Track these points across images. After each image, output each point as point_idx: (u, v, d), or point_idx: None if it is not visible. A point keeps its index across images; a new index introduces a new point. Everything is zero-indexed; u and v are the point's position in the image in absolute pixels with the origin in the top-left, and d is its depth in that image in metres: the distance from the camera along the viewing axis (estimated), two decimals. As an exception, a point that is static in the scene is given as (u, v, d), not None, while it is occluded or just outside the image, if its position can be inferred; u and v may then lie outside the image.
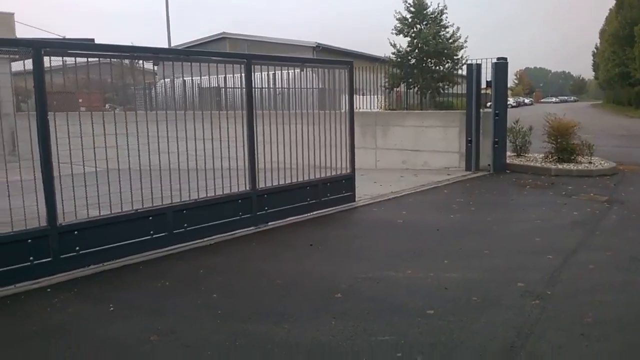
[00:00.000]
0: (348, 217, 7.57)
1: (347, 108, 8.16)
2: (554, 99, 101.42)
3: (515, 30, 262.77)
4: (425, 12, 39.88)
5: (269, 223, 6.94)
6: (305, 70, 7.98)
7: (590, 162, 11.37)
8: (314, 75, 8.35)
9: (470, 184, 9.99)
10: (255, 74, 6.78)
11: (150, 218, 5.71)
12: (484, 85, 11.37)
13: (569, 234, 6.47)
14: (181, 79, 6.72)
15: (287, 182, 7.22)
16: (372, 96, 15.59)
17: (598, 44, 77.72)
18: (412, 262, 5.34)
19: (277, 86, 8.05)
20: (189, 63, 6.21)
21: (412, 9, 40.18)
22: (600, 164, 11.32)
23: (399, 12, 40.54)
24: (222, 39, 31.69)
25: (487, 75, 11.27)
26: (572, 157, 11.37)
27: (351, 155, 8.14)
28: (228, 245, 6.20)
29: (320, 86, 8.64)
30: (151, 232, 5.71)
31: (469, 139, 11.43)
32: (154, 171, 5.73)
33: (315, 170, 7.62)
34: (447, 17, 40.05)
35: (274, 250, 5.96)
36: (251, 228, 6.72)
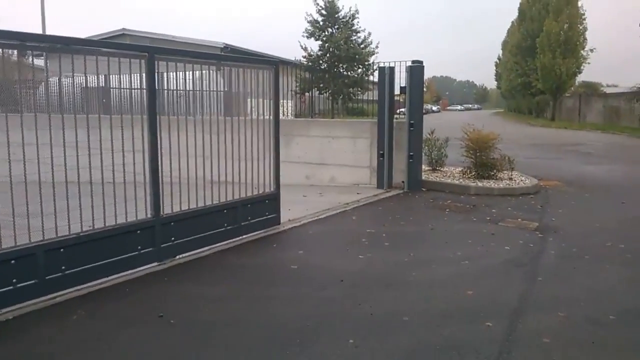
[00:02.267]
0: (257, 251, 5.76)
1: (272, 115, 6.81)
2: (459, 107, 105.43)
3: (421, 40, 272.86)
4: (337, 15, 39.09)
5: (178, 257, 5.56)
6: (222, 69, 6.43)
7: (510, 179, 10.32)
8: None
9: (383, 207, 8.50)
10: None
11: (13, 262, 4.22)
12: (397, 91, 10.01)
13: (506, 281, 5.07)
14: (67, 77, 4.84)
15: (199, 206, 5.84)
16: (282, 101, 13.92)
17: (500, 55, 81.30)
18: (300, 352, 3.62)
19: (183, 88, 6.07)
20: (71, 56, 4.58)
21: (323, 11, 39.26)
22: (522, 180, 10.29)
23: (310, 14, 39.41)
24: (121, 35, 28.90)
25: (401, 80, 9.91)
26: (492, 173, 10.27)
27: (275, 170, 6.88)
28: (118, 292, 4.59)
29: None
30: (14, 280, 4.23)
31: (381, 152, 10.00)
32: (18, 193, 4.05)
33: (234, 189, 6.25)
34: (358, 22, 39.70)
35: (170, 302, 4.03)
36: (154, 264, 5.32)
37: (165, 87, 5.67)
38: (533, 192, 9.71)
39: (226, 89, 6.66)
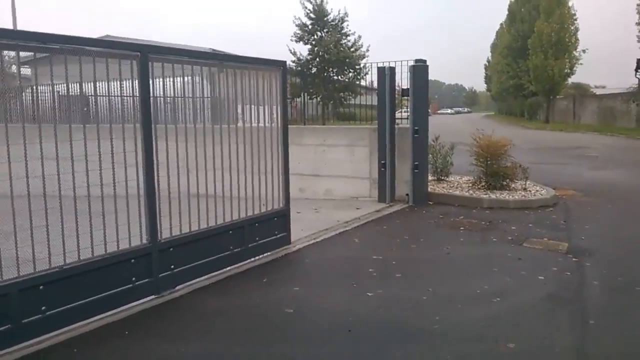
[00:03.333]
0: (253, 286, 4.73)
1: (279, 122, 6.12)
2: (449, 110, 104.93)
3: (408, 43, 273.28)
4: (326, 19, 38.18)
5: (178, 287, 4.82)
6: (225, 71, 5.46)
7: (525, 189, 9.37)
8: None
9: (388, 226, 7.49)
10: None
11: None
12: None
13: (551, 326, 4.08)
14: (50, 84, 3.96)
15: (202, 227, 5.09)
16: (273, 107, 12.87)
17: (490, 58, 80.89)
18: None
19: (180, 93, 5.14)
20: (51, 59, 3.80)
21: (312, 15, 38.32)
22: (537, 191, 9.35)
23: (299, 18, 38.49)
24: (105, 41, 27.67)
25: (402, 81, 8.95)
26: (505, 183, 9.32)
27: (285, 183, 6.21)
28: (107, 335, 3.74)
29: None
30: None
31: (383, 162, 9.01)
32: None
33: (240, 207, 5.55)
34: (348, 25, 38.84)
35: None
36: (151, 298, 4.58)
37: (161, 93, 4.88)
38: (552, 204, 8.77)
39: (226, 94, 5.70)
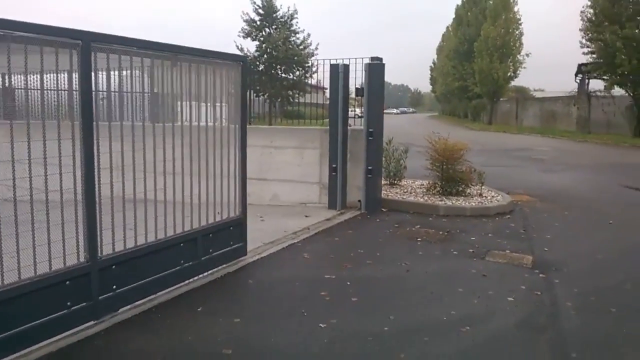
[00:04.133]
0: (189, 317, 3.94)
1: (238, 122, 5.58)
2: (395, 110, 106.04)
3: (354, 43, 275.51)
4: (275, 15, 37.33)
5: (120, 310, 4.20)
6: (179, 65, 4.80)
7: (481, 195, 8.99)
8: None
9: (341, 238, 6.86)
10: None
11: None
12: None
13: (533, 364, 3.56)
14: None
15: (150, 240, 4.46)
16: (232, 105, 11.96)
17: (435, 60, 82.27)
18: None
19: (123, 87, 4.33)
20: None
21: (260, 11, 37.41)
22: (493, 196, 8.98)
23: (247, 13, 37.48)
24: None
25: (355, 80, 8.36)
26: (461, 189, 8.89)
27: (242, 189, 5.69)
28: None
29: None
30: None
31: (334, 165, 8.39)
32: None
33: (192, 216, 4.93)
34: (297, 23, 38.15)
35: None
36: (90, 324, 3.93)
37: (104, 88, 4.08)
38: (508, 211, 8.40)
39: (179, 90, 4.95)
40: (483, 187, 9.32)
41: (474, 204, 8.42)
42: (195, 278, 5.02)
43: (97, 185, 3.89)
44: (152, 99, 4.82)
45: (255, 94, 35.98)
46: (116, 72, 4.12)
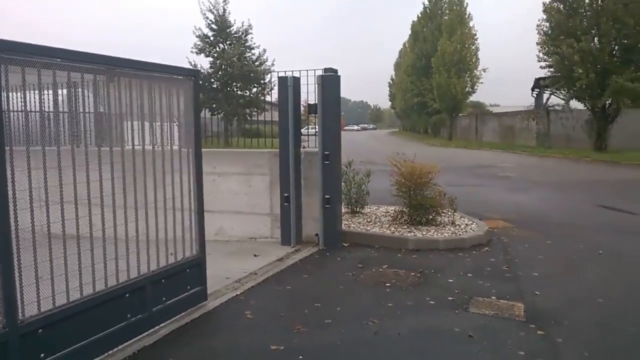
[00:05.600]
0: None
1: (191, 145, 4.85)
2: (356, 127, 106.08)
3: (313, 59, 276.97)
4: (229, 30, 36.15)
5: None
6: (116, 80, 4.02)
7: (453, 223, 7.97)
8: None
9: (294, 285, 5.66)
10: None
11: None
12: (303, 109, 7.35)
13: None
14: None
15: (86, 294, 3.67)
16: (182, 126, 10.64)
17: (394, 76, 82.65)
18: None
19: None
20: None
21: (214, 26, 36.18)
22: (467, 225, 7.97)
23: (200, 28, 36.18)
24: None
25: (308, 95, 7.26)
26: (431, 217, 7.86)
27: (199, 223, 4.94)
28: None
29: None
30: None
31: (286, 194, 7.23)
32: None
33: (139, 259, 4.16)
34: (252, 38, 37.07)
35: None
36: None
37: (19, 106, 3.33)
38: (485, 242, 7.41)
39: (116, 109, 4.09)
40: (455, 214, 8.32)
41: (447, 235, 7.38)
42: (196, 307, 4.64)
43: (12, 225, 3.10)
44: (95, 118, 4.15)
45: (210, 113, 34.68)
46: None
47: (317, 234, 7.26)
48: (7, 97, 3.12)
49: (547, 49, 27.85)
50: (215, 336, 4.32)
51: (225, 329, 4.50)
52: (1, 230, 3.05)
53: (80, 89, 3.79)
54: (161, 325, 4.38)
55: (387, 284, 5.59)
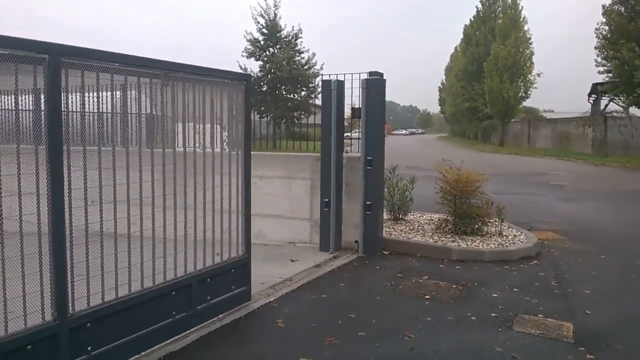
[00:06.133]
0: None
1: (241, 147, 4.88)
2: (404, 131, 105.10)
3: (363, 63, 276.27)
4: (279, 34, 36.48)
5: None
6: (171, 84, 4.13)
7: (500, 234, 7.63)
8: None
9: (329, 294, 5.50)
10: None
11: None
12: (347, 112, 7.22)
13: None
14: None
15: (134, 290, 3.77)
16: (233, 129, 10.74)
17: (444, 80, 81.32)
18: None
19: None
20: None
21: (264, 30, 36.59)
22: (515, 236, 7.62)
23: (250, 32, 36.69)
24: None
25: (352, 99, 7.11)
26: (477, 227, 7.56)
27: (245, 224, 4.94)
28: None
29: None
30: None
31: (326, 199, 7.10)
32: None
33: (186, 258, 4.26)
34: (302, 42, 37.26)
35: None
36: None
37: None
38: (534, 255, 7.06)
39: (171, 112, 4.23)
40: (503, 224, 7.98)
41: (493, 246, 7.07)
42: (239, 307, 4.71)
43: (67, 223, 3.19)
44: (148, 120, 4.19)
45: (259, 115, 35.06)
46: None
47: (356, 241, 7.10)
48: (67, 98, 3.21)
49: (606, 53, 26.71)
50: (243, 345, 4.22)
51: (255, 337, 4.41)
52: (55, 227, 3.15)
53: (136, 92, 3.88)
54: (191, 330, 4.35)
55: (427, 296, 5.37)
